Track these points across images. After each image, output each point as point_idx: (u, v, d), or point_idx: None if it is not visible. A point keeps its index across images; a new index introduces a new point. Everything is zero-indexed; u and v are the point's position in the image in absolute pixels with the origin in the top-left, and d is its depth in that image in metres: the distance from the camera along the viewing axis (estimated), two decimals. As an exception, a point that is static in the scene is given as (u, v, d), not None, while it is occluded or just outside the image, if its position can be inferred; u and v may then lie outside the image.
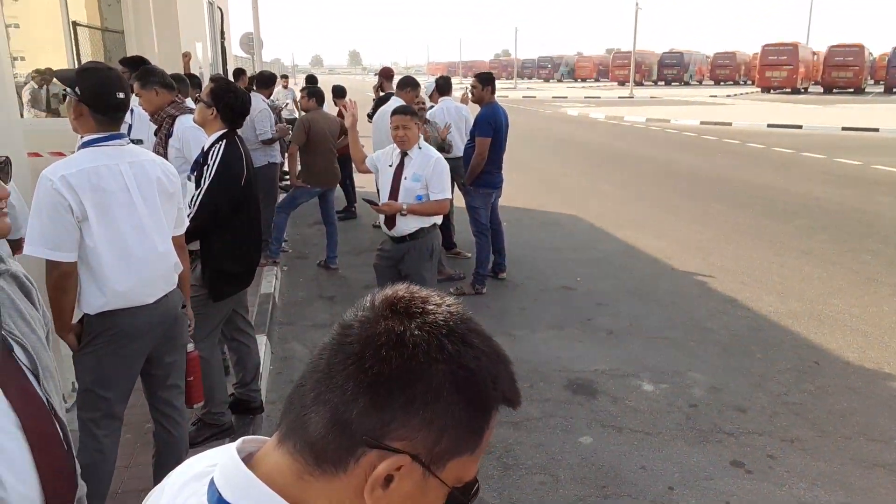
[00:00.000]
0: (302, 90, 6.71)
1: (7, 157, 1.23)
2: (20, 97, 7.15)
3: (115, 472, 2.62)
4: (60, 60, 7.10)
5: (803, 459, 3.44)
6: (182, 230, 2.78)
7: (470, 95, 6.08)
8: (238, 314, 3.66)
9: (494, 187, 5.94)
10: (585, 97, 37.25)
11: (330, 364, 0.63)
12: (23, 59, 8.87)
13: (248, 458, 0.68)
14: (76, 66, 4.81)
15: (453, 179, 6.53)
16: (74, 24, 7.50)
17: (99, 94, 2.42)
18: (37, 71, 8.13)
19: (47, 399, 1.31)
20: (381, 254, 4.30)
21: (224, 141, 3.30)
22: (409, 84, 6.32)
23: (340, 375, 0.62)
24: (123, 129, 4.52)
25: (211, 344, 3.41)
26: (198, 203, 3.21)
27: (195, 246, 3.33)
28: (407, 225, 4.05)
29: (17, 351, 1.27)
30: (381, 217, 4.13)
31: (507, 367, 0.68)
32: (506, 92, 42.65)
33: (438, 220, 4.19)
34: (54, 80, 7.39)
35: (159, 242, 2.55)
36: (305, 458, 0.63)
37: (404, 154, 4.09)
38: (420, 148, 4.08)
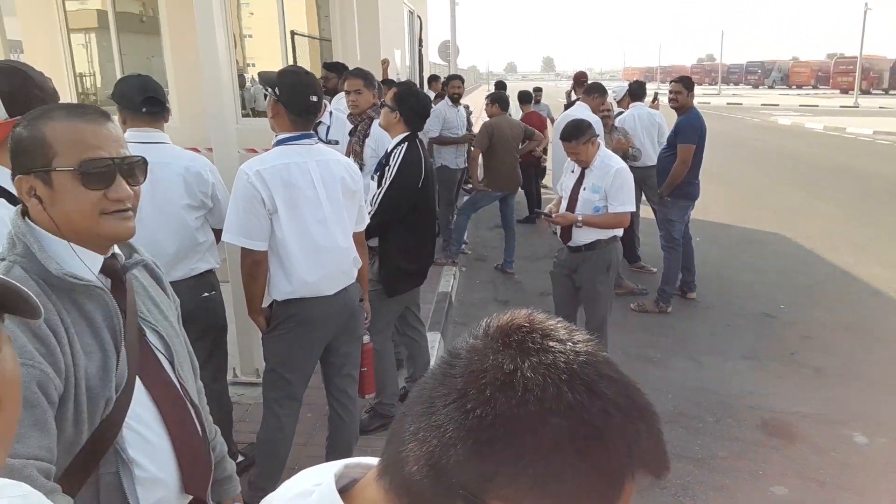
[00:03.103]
0: (487, 96, 6.72)
1: (142, 158, 1.26)
2: (244, 99, 7.98)
3: (293, 447, 2.77)
4: (280, 66, 7.83)
5: None
6: (362, 227, 2.86)
7: (665, 101, 5.67)
8: (410, 311, 3.72)
9: (694, 199, 5.50)
10: (800, 105, 33.79)
11: (432, 397, 0.54)
12: (254, 65, 9.95)
13: (350, 485, 0.63)
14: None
15: (641, 189, 6.18)
16: (293, 33, 8.31)
17: (294, 96, 2.55)
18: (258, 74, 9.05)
19: (181, 384, 1.33)
20: (557, 262, 4.17)
21: (406, 143, 3.37)
22: (596, 90, 6.06)
23: (441, 413, 0.53)
24: (322, 130, 4.89)
25: (384, 338, 3.49)
26: (378, 202, 3.30)
27: (374, 243, 3.44)
28: (583, 236, 3.87)
29: (151, 336, 1.31)
30: (558, 227, 3.99)
31: (652, 425, 0.54)
32: (708, 98, 40.08)
33: (619, 232, 3.95)
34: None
35: (341, 238, 2.64)
36: (400, 499, 0.56)
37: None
38: (600, 157, 3.89)
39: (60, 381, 1.09)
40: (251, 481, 2.75)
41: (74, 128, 1.19)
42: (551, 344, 0.54)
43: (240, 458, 3.07)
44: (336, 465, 0.64)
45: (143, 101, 2.64)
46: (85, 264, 1.20)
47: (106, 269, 1.24)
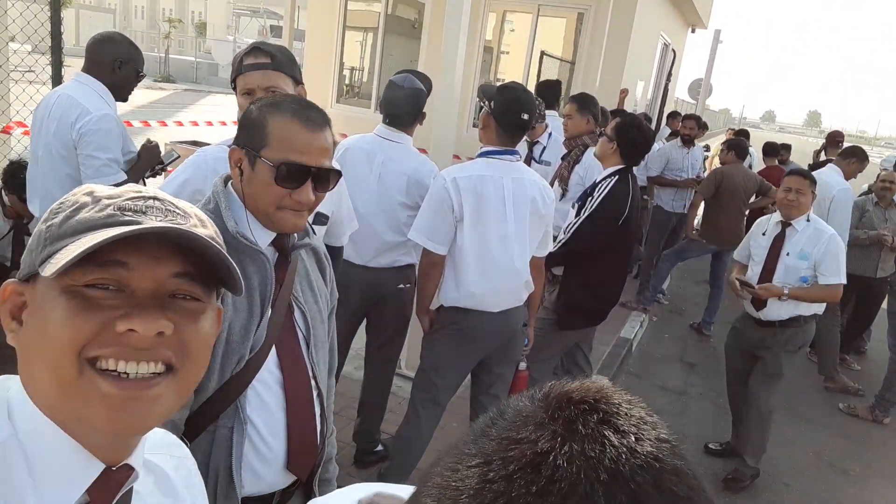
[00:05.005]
0: (723, 142, 6.27)
1: (337, 171, 1.36)
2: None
3: (429, 451, 2.82)
4: (529, 82, 8.09)
5: None
6: (543, 252, 2.83)
7: None
8: (580, 349, 3.60)
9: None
10: None
11: (462, 453, 0.47)
12: (503, 80, 10.40)
13: None
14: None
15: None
16: (542, 53, 8.54)
17: (506, 111, 2.60)
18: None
19: (312, 367, 1.39)
20: (738, 333, 3.73)
21: (616, 177, 3.26)
22: (854, 154, 5.35)
23: (463, 473, 0.46)
24: (537, 150, 4.94)
25: (546, 369, 3.41)
26: (572, 231, 3.24)
27: (559, 271, 3.38)
28: (782, 310, 3.43)
29: (297, 316, 1.38)
30: (747, 295, 3.54)
31: None
32: None
33: (820, 309, 3.47)
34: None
35: (517, 258, 2.64)
36: None
37: (786, 224, 3.49)
38: (808, 220, 3.46)
39: None
40: (381, 473, 2.87)
41: (291, 128, 1.31)
42: (607, 433, 0.44)
43: (379, 447, 3.20)
44: (367, 492, 0.63)
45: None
46: (253, 234, 1.33)
47: (276, 243, 1.37)
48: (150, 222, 0.67)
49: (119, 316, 0.66)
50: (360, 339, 3.10)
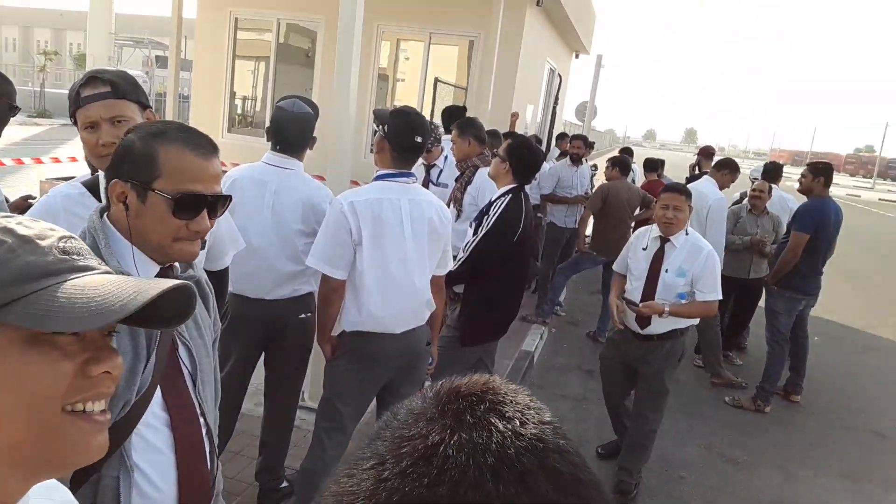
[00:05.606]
0: (608, 159, 6.67)
1: (228, 197, 1.38)
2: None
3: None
4: (424, 108, 8.27)
5: None
6: (443, 271, 2.89)
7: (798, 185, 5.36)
8: (484, 363, 3.67)
9: (805, 294, 5.08)
10: (970, 210, 30.63)
11: (357, 458, 0.48)
12: (397, 106, 10.59)
13: None
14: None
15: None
16: (436, 80, 8.76)
17: (400, 135, 2.66)
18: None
19: (200, 404, 1.34)
20: (615, 346, 3.79)
21: (510, 195, 3.39)
22: (727, 166, 5.82)
23: (358, 476, 0.46)
24: (434, 172, 5.05)
25: (450, 386, 3.46)
26: (470, 249, 3.34)
27: (460, 289, 3.47)
28: (661, 325, 3.53)
29: (182, 352, 1.34)
30: (629, 313, 3.60)
31: None
32: (859, 192, 37.29)
33: (696, 320, 3.67)
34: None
35: (417, 278, 2.69)
36: None
37: (665, 240, 3.57)
38: (686, 234, 3.58)
39: None
40: None
41: (184, 157, 1.28)
42: (493, 420, 0.45)
43: (284, 483, 3.09)
44: None
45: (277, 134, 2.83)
46: (138, 270, 1.28)
47: (159, 277, 1.32)
48: (96, 265, 0.72)
49: (86, 360, 0.69)
50: (258, 374, 2.98)
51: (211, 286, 1.50)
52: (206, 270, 1.59)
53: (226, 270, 2.24)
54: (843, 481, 4.14)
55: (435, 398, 0.49)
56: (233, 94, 9.42)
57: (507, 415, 0.46)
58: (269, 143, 2.88)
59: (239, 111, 9.77)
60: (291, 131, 2.81)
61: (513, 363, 5.05)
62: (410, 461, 0.44)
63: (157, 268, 1.32)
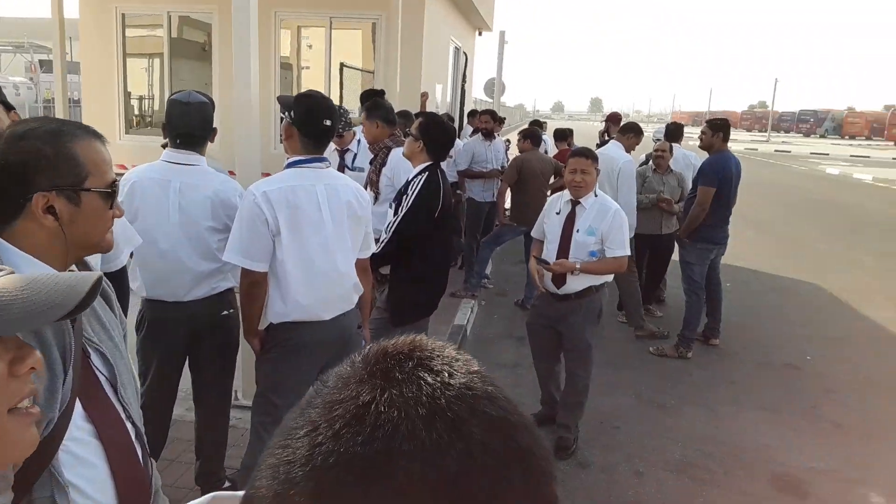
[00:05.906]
0: (519, 132, 6.78)
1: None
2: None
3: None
4: (331, 94, 8.11)
5: None
6: (367, 253, 2.88)
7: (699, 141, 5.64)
8: (417, 342, 3.71)
9: (715, 243, 5.38)
10: (851, 156, 32.98)
11: (290, 429, 0.48)
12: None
13: None
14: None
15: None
16: (342, 65, 8.63)
17: (308, 120, 2.61)
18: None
19: (124, 407, 1.30)
20: (537, 311, 3.91)
21: (426, 173, 3.39)
22: (632, 129, 6.05)
23: (293, 447, 0.46)
24: (348, 157, 4.99)
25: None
26: (392, 230, 3.33)
27: (386, 270, 3.47)
28: (576, 283, 3.66)
29: (95, 359, 1.28)
30: (547, 274, 3.73)
31: (531, 469, 0.45)
32: (756, 145, 39.46)
33: (610, 277, 3.82)
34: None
35: (341, 262, 2.66)
36: None
37: (576, 203, 3.71)
38: (596, 196, 3.72)
39: None
40: None
41: (97, 149, 1.27)
42: (422, 374, 0.46)
43: (226, 484, 3.02)
44: (203, 499, 0.60)
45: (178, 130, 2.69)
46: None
47: None
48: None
49: (11, 361, 0.71)
50: (186, 379, 2.88)
51: (111, 286, 1.43)
52: (104, 273, 1.51)
53: (124, 270, 2.14)
54: (763, 413, 4.42)
55: (363, 361, 0.49)
56: (127, 95, 8.97)
57: (435, 368, 0.47)
58: (168, 141, 2.75)
59: (136, 112, 9.32)
60: (194, 123, 2.69)
61: (447, 338, 5.09)
62: (343, 422, 0.44)
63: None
